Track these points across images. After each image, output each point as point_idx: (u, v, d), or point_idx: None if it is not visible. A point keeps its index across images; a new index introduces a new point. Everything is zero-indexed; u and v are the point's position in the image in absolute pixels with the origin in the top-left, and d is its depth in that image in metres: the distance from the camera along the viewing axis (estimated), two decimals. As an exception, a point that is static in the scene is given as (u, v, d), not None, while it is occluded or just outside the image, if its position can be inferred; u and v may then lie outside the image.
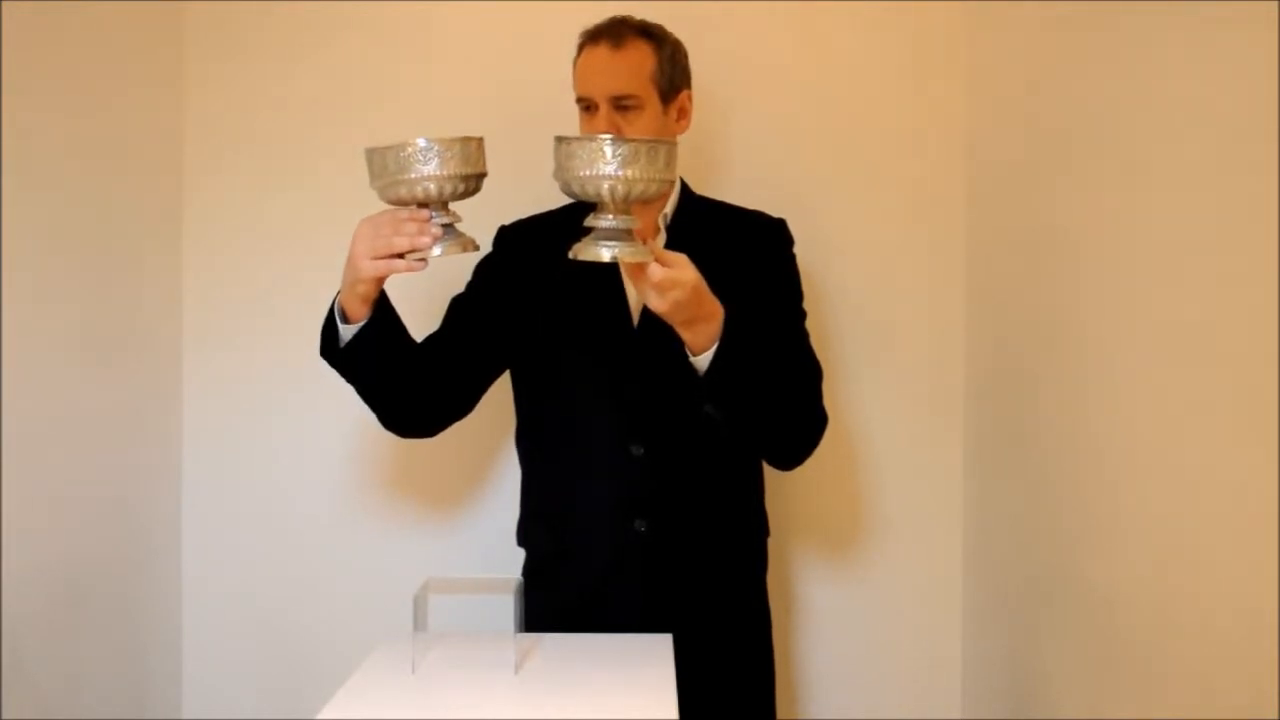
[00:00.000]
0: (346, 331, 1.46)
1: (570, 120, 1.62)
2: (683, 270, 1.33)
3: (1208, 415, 1.18)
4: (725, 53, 1.98)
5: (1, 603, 1.54)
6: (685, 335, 1.39)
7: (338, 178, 2.04)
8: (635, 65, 1.55)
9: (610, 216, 1.30)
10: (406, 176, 1.32)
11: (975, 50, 1.97)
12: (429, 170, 1.31)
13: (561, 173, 1.32)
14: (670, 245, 1.60)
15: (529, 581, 1.60)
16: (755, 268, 1.61)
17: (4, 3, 1.54)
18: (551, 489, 1.65)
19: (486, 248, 1.69)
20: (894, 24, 2.02)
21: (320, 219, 2.03)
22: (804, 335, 1.62)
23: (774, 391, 1.47)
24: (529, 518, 1.70)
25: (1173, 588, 1.26)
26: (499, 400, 1.71)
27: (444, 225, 1.36)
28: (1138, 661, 1.34)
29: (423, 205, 1.35)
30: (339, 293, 1.46)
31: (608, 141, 1.27)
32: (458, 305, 1.66)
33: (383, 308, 1.46)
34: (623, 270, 1.38)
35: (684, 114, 1.64)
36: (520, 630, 1.37)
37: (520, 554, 1.71)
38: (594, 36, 1.58)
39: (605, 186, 1.27)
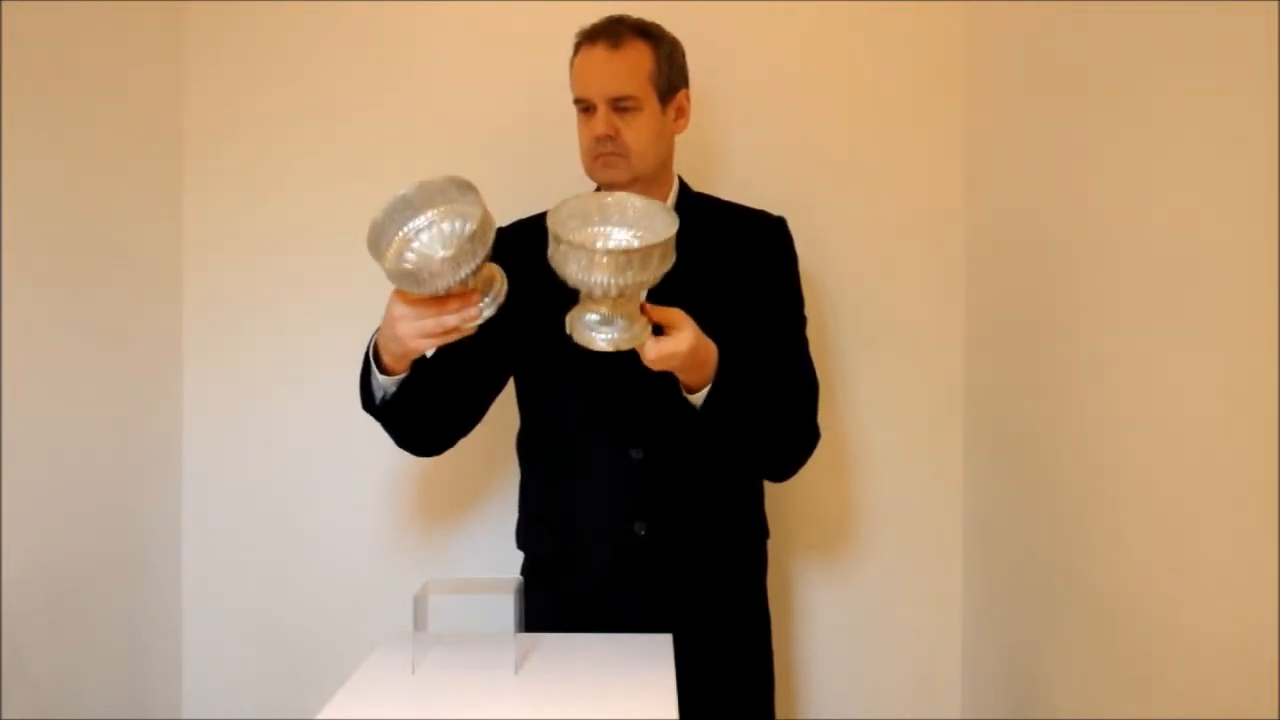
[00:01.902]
0: (389, 383, 1.46)
1: (568, 120, 1.62)
2: (679, 339, 1.33)
3: (1208, 416, 1.18)
4: (725, 52, 1.98)
5: (1, 603, 1.54)
6: (684, 377, 1.41)
7: (338, 177, 2.04)
8: (633, 66, 1.54)
9: (605, 306, 1.28)
10: (438, 286, 1.25)
11: (975, 50, 1.97)
12: (459, 276, 1.24)
13: (554, 264, 1.27)
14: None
15: (528, 584, 1.60)
16: (755, 268, 1.61)
17: (4, 3, 1.55)
18: (551, 492, 1.65)
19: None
20: (894, 24, 2.02)
21: (321, 219, 2.04)
22: (803, 345, 1.62)
23: (768, 419, 1.50)
24: (528, 520, 1.70)
25: (1173, 588, 1.26)
26: (499, 401, 1.71)
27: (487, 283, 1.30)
28: (1138, 661, 1.34)
29: None
30: (371, 346, 1.45)
31: (602, 253, 1.22)
32: None
33: (420, 359, 1.47)
34: None
35: (682, 113, 1.63)
36: (520, 630, 1.37)
37: (520, 555, 1.71)
38: (591, 36, 1.57)
39: (599, 290, 1.24)
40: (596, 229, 1.32)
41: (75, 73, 1.73)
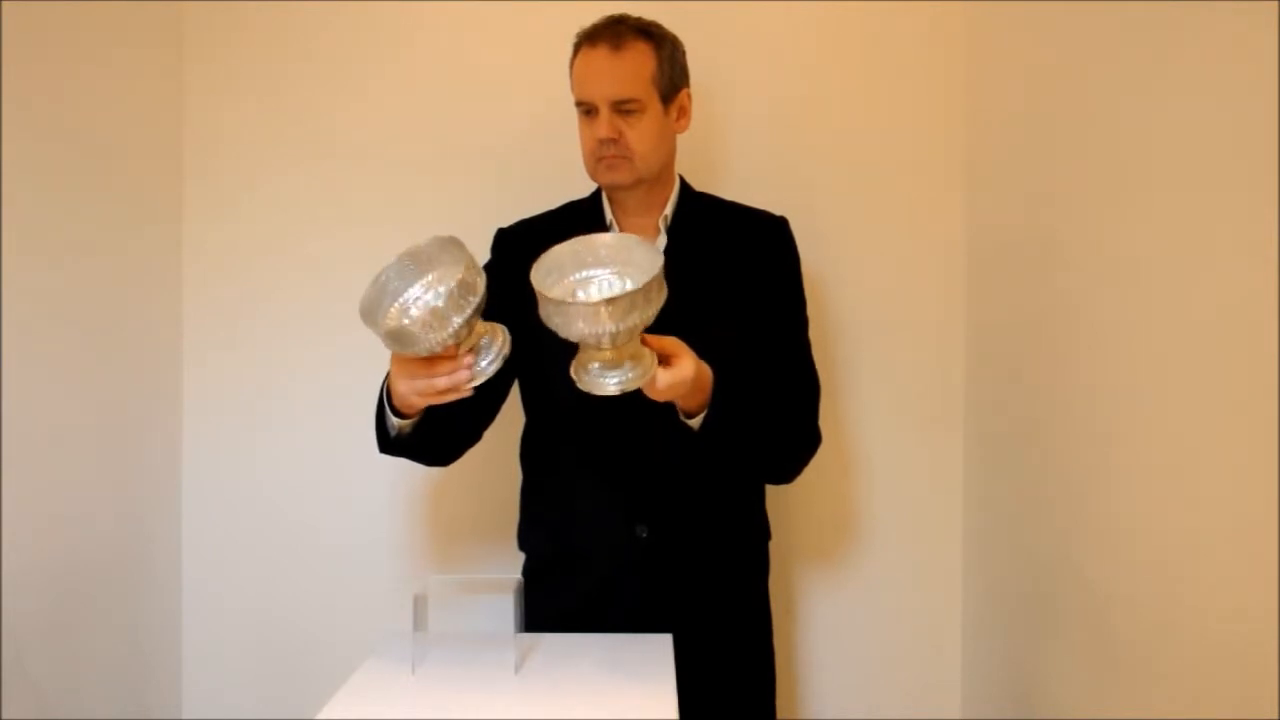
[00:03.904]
0: (405, 424, 1.46)
1: (568, 120, 1.62)
2: (683, 367, 1.33)
3: (1207, 416, 1.18)
4: (725, 52, 1.98)
5: (1, 603, 1.54)
6: (681, 404, 1.42)
7: (338, 177, 2.04)
8: (636, 67, 1.53)
9: (609, 352, 1.27)
10: (422, 345, 1.25)
11: (975, 50, 1.97)
12: (441, 336, 1.23)
13: (550, 322, 1.25)
14: (670, 246, 1.60)
15: (529, 585, 1.60)
16: (757, 269, 1.61)
17: (4, 3, 1.54)
18: (552, 494, 1.65)
19: (485, 255, 1.69)
20: (894, 24, 2.02)
21: (320, 219, 2.04)
22: (804, 348, 1.62)
23: (767, 432, 1.51)
24: (529, 522, 1.70)
25: (1172, 588, 1.26)
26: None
27: (478, 343, 1.29)
28: (1138, 661, 1.34)
29: None
30: (384, 388, 1.45)
31: (603, 305, 1.20)
32: None
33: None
34: None
35: (684, 113, 1.63)
36: (520, 630, 1.37)
37: (520, 555, 1.71)
38: (592, 38, 1.56)
39: (606, 340, 1.24)
40: (579, 276, 1.30)
41: (75, 72, 1.73)
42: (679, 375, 1.32)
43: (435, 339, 1.23)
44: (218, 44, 2.04)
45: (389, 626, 1.66)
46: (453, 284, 1.22)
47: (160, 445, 2.00)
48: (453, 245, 1.29)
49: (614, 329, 1.21)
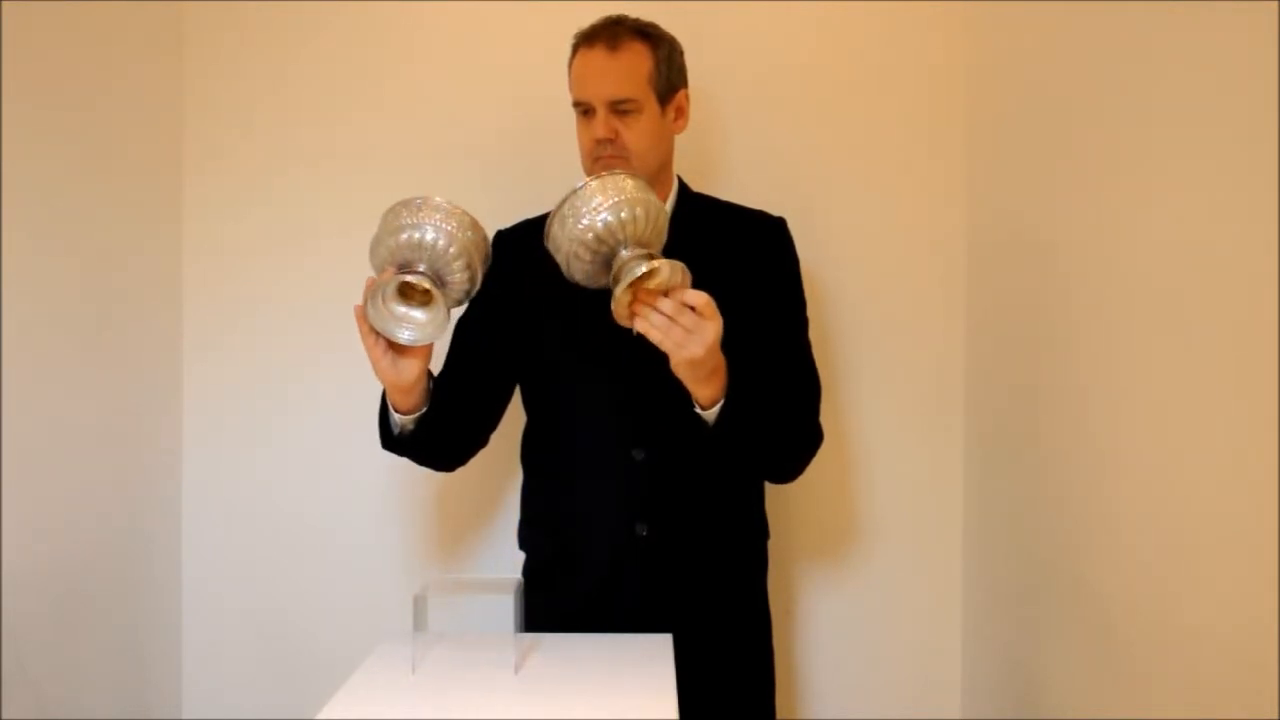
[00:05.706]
0: (406, 421, 1.51)
1: (567, 120, 1.62)
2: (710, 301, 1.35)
3: (1208, 415, 1.18)
4: (725, 52, 1.98)
5: (1, 603, 1.54)
6: (699, 391, 1.41)
7: (338, 178, 2.04)
8: (633, 68, 1.54)
9: (626, 250, 1.32)
10: (382, 233, 1.35)
11: (975, 50, 1.97)
12: (398, 222, 1.33)
13: (558, 243, 1.35)
14: (670, 244, 1.60)
15: (529, 585, 1.60)
16: (755, 269, 1.61)
17: (4, 3, 1.55)
18: (553, 493, 1.65)
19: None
20: (894, 24, 2.02)
21: (321, 219, 2.04)
22: (805, 348, 1.62)
23: (775, 430, 1.51)
24: (530, 522, 1.70)
25: (1172, 588, 1.26)
26: (499, 400, 1.71)
27: (418, 275, 1.35)
28: (1138, 661, 1.34)
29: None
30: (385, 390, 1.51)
31: (622, 175, 1.32)
32: (465, 329, 1.66)
33: (432, 396, 1.51)
34: (647, 334, 1.34)
35: (681, 113, 1.63)
36: (520, 630, 1.37)
37: (521, 556, 1.71)
38: (589, 38, 1.56)
39: (639, 210, 1.31)
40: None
41: (75, 73, 1.73)
42: (709, 299, 1.33)
43: (395, 222, 1.33)
44: (218, 44, 2.04)
45: (389, 626, 1.66)
46: (438, 199, 1.34)
47: (160, 445, 2.00)
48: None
49: (638, 195, 1.30)
